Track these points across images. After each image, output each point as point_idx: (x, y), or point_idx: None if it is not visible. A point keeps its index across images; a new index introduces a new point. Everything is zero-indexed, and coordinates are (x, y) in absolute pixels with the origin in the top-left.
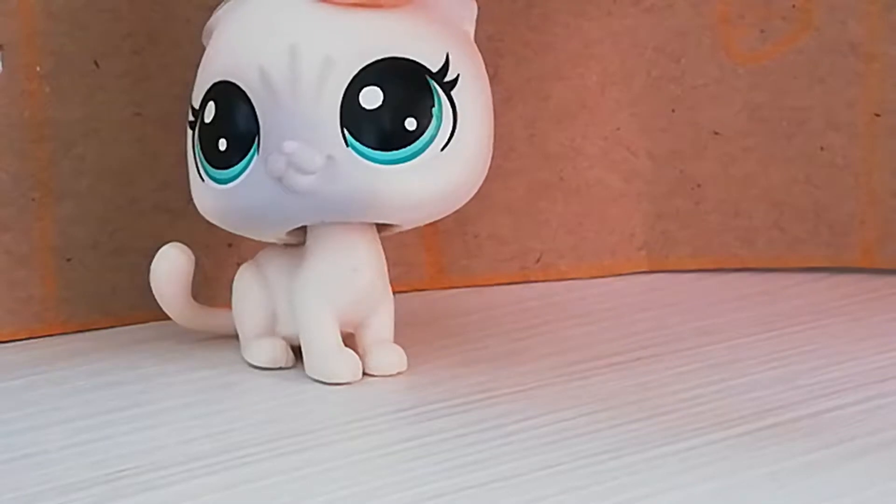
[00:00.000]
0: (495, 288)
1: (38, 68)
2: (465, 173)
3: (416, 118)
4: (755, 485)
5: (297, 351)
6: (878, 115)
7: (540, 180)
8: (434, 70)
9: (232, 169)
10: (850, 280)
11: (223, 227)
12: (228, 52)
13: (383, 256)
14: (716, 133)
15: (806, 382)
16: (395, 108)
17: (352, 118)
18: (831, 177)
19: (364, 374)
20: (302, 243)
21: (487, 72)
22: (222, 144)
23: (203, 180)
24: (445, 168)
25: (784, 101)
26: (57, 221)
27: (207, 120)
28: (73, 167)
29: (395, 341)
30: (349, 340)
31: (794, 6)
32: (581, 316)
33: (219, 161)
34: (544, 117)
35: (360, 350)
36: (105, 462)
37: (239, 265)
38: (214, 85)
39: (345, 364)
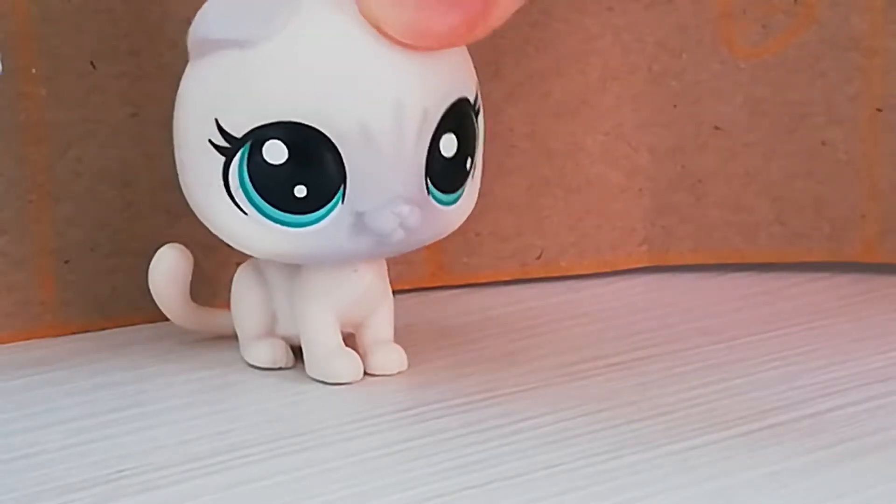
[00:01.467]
0: (495, 288)
1: (33, 70)
2: (479, 182)
3: (472, 157)
4: (755, 485)
5: (296, 351)
6: (879, 110)
7: (541, 177)
8: (473, 101)
9: (308, 216)
10: (850, 279)
11: (268, 258)
12: (308, 93)
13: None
14: (717, 128)
15: (806, 382)
16: (464, 153)
17: (434, 167)
18: (833, 171)
19: (365, 373)
20: None
21: (488, 69)
22: (300, 191)
23: (246, 214)
24: (474, 187)
25: (785, 96)
26: (55, 223)
27: (274, 161)
28: (70, 169)
29: (395, 341)
30: (349, 340)
31: (795, 1)
32: (581, 316)
33: (290, 206)
34: (545, 113)
35: (360, 350)
36: (105, 462)
37: (238, 265)
38: (282, 124)
39: (346, 364)
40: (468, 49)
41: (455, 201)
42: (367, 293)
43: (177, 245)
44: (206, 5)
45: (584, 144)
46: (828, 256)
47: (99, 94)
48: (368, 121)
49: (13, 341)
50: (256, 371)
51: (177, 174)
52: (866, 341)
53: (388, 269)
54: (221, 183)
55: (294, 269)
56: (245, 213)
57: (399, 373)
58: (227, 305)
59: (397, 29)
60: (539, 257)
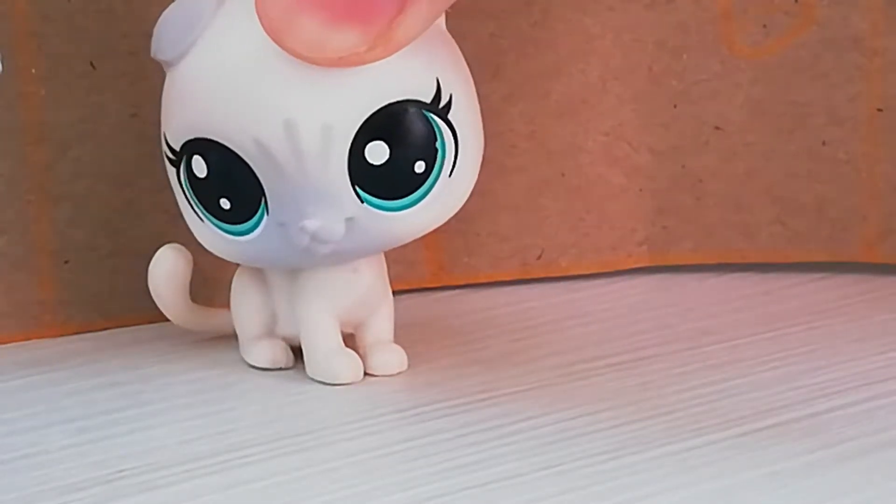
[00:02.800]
0: (495, 288)
1: (33, 70)
2: (471, 181)
3: (423, 160)
4: (755, 485)
5: (296, 351)
6: (880, 110)
7: (541, 177)
8: (429, 101)
9: (241, 226)
10: (850, 280)
11: (233, 262)
12: (211, 111)
13: (383, 257)
14: (717, 128)
15: (806, 382)
16: (402, 158)
17: (362, 176)
18: (833, 172)
19: (365, 374)
20: None
21: (488, 70)
22: (224, 204)
23: (203, 221)
24: (456, 189)
25: (786, 96)
26: (54, 224)
27: (199, 174)
28: (70, 169)
29: (395, 341)
30: (349, 341)
31: (796, 1)
32: (581, 316)
33: (223, 217)
34: (545, 114)
35: (360, 350)
36: (105, 462)
37: (238, 266)
38: (199, 140)
39: (347, 365)
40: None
41: (411, 205)
42: (367, 293)
43: (176, 245)
44: (157, 23)
45: (584, 144)
46: (828, 256)
47: (99, 95)
48: (263, 140)
49: (12, 341)
50: (256, 371)
51: None
52: (866, 341)
53: (388, 270)
54: (180, 190)
55: (293, 269)
56: (202, 220)
57: (399, 373)
58: (227, 305)
59: (296, 46)
60: (539, 257)
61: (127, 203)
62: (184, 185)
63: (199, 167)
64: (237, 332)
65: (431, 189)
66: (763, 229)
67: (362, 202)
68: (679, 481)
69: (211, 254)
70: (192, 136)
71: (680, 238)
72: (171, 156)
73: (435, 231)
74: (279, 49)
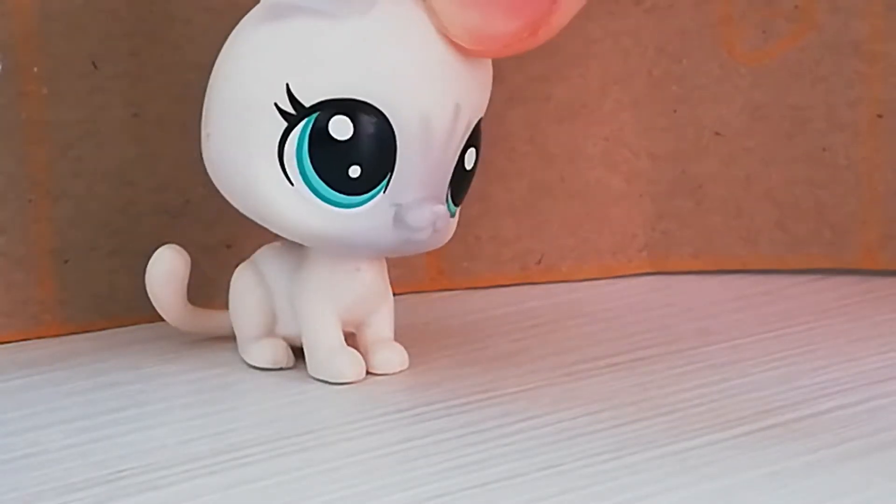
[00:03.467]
0: (496, 288)
1: (35, 69)
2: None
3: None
4: (755, 485)
5: (296, 351)
6: (880, 116)
7: (541, 181)
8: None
9: (354, 197)
10: (850, 280)
11: (302, 240)
12: (383, 77)
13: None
14: (717, 133)
15: (806, 383)
16: (477, 166)
17: (456, 178)
18: (833, 177)
19: (366, 372)
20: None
21: None
22: (354, 171)
23: (293, 185)
24: (458, 212)
25: (786, 101)
26: (54, 223)
27: (338, 136)
28: (70, 168)
29: (396, 341)
30: (350, 340)
31: (796, 6)
32: (581, 316)
33: (341, 185)
34: (545, 118)
35: (361, 349)
36: (105, 462)
37: (237, 266)
38: (354, 102)
39: (349, 363)
40: None
41: (454, 214)
42: (368, 292)
43: (174, 246)
44: None
45: (584, 149)
46: (828, 262)
47: (100, 94)
48: (431, 116)
49: (12, 341)
50: (256, 371)
51: (177, 174)
52: (866, 342)
53: (389, 273)
54: (276, 149)
55: (294, 268)
56: (292, 184)
57: (400, 371)
58: (226, 307)
59: (462, 33)
60: (539, 262)
61: (127, 203)
62: (293, 145)
63: (342, 128)
64: (237, 332)
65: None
66: (763, 234)
67: (445, 201)
68: (679, 481)
69: (211, 255)
70: (342, 96)
71: (680, 243)
72: (289, 110)
73: None
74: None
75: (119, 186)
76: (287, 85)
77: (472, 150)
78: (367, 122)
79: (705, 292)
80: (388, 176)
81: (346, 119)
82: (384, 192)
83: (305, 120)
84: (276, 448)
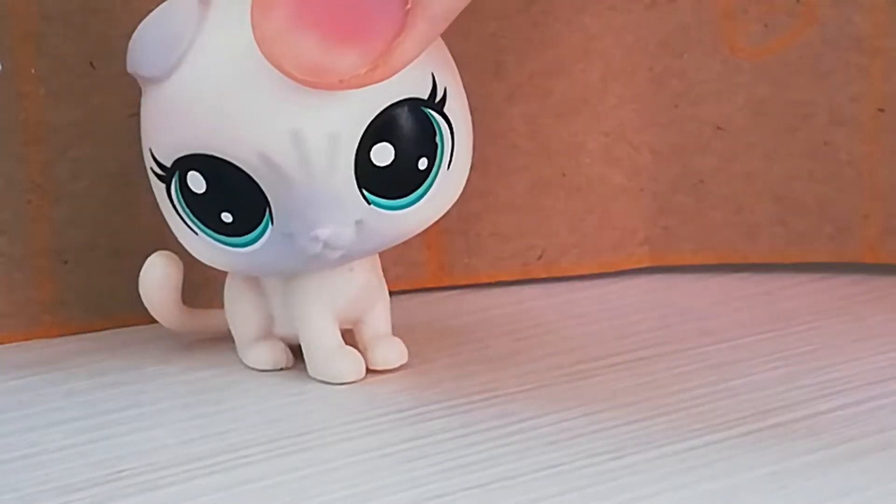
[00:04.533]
0: (496, 288)
1: (33, 70)
2: (466, 170)
3: (426, 156)
4: (755, 485)
5: (295, 350)
6: (882, 111)
7: (542, 177)
8: (426, 97)
9: (243, 237)
10: (850, 280)
11: (233, 272)
12: (211, 126)
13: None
14: (719, 128)
15: (807, 383)
16: (406, 157)
17: (369, 179)
18: (835, 172)
19: (366, 370)
20: None
21: (489, 69)
22: (226, 217)
23: (197, 234)
24: (454, 180)
25: (787, 96)
26: (53, 224)
27: (197, 190)
28: (69, 169)
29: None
30: (347, 337)
31: (797, 1)
32: (582, 316)
33: (224, 230)
34: (546, 113)
35: (360, 346)
36: (105, 462)
37: None
38: (197, 156)
39: (348, 363)
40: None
41: (415, 202)
42: (363, 291)
43: (166, 253)
44: (130, 40)
45: (585, 144)
46: (830, 257)
47: (98, 95)
48: (267, 152)
49: (12, 341)
50: (256, 371)
51: None
52: (867, 341)
53: (388, 271)
54: (170, 205)
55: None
56: (196, 234)
57: (400, 367)
58: (223, 306)
59: (297, 70)
60: (540, 258)
61: (126, 203)
62: (175, 201)
63: (197, 183)
64: (234, 334)
65: (433, 184)
66: (764, 230)
67: (369, 204)
68: (679, 481)
69: None
70: (187, 153)
71: (681, 239)
72: (159, 171)
73: (436, 231)
74: None
75: (118, 187)
76: (150, 150)
77: (381, 146)
78: (214, 172)
79: (705, 292)
80: (268, 210)
81: (197, 174)
82: (272, 224)
83: (173, 179)
84: (276, 448)
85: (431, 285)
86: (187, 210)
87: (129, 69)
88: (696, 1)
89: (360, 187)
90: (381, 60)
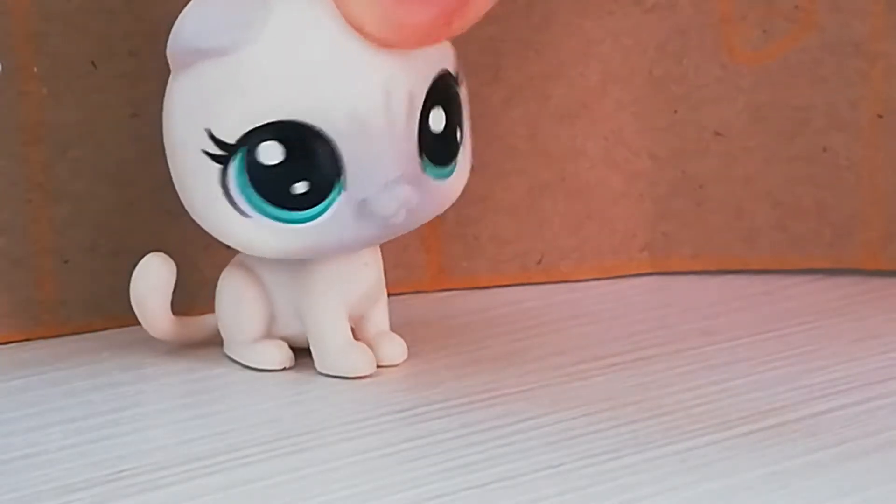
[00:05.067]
0: (496, 288)
1: (34, 69)
2: (470, 148)
3: (460, 127)
4: (755, 485)
5: (294, 350)
6: (880, 116)
7: (541, 181)
8: (454, 72)
9: (311, 210)
10: (850, 280)
11: (276, 258)
12: (294, 91)
13: (379, 250)
14: (718, 133)
15: (806, 383)
16: (453, 124)
17: (427, 144)
18: (834, 177)
19: None
20: None
21: (489, 72)
22: (300, 187)
23: (249, 216)
24: (466, 156)
25: (786, 101)
26: (54, 223)
27: (270, 162)
28: (69, 169)
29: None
30: None
31: (796, 6)
32: (581, 316)
33: (293, 203)
34: (545, 117)
35: (363, 343)
36: (105, 462)
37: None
38: (275, 124)
39: (362, 357)
40: None
41: (450, 174)
42: (373, 286)
43: (160, 255)
44: (182, 17)
45: (584, 148)
46: (829, 262)
47: (99, 95)
48: (358, 110)
49: (12, 341)
50: (256, 371)
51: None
52: (866, 342)
53: (388, 273)
54: (220, 189)
55: (296, 266)
56: (248, 217)
57: (400, 367)
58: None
59: (375, 26)
60: (539, 262)
61: (127, 203)
62: (234, 180)
63: (272, 154)
64: (232, 336)
65: (460, 154)
66: (764, 235)
67: (423, 170)
68: (679, 481)
69: (210, 255)
70: (262, 122)
71: (681, 243)
72: (218, 151)
73: (435, 235)
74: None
75: (118, 186)
76: (208, 130)
77: (437, 111)
78: (295, 138)
79: (705, 292)
80: (342, 176)
81: (274, 143)
82: (345, 190)
83: (236, 156)
84: (276, 448)
85: (430, 288)
86: (250, 188)
87: (178, 46)
88: (695, 6)
89: (420, 152)
90: (457, 15)
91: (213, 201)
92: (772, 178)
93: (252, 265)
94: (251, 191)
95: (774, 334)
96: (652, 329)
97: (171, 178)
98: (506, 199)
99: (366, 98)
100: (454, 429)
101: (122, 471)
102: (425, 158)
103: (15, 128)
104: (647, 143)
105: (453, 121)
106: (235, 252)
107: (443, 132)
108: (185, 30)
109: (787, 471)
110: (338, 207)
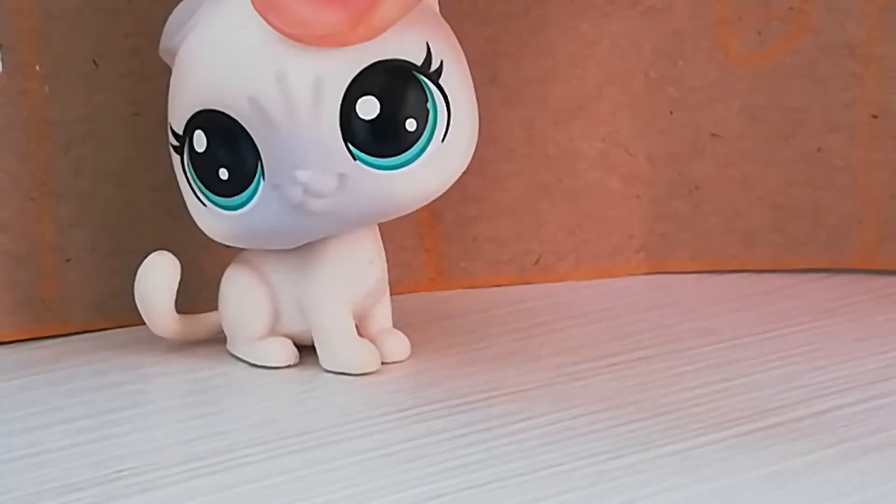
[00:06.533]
0: (495, 288)
1: (37, 68)
2: (466, 153)
3: (414, 118)
4: (755, 485)
5: (299, 348)
6: (875, 117)
7: (539, 182)
8: (419, 64)
9: (238, 196)
10: (849, 280)
11: (236, 245)
12: (208, 80)
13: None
14: (714, 135)
15: (806, 382)
16: (392, 113)
17: (354, 132)
18: (830, 178)
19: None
20: None
21: (486, 75)
22: (223, 174)
23: (205, 205)
24: (449, 156)
25: (782, 103)
26: (56, 222)
27: (199, 149)
28: (72, 168)
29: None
30: None
31: (791, 7)
32: (581, 316)
33: (222, 189)
34: (543, 119)
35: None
36: (105, 462)
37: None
38: (199, 113)
39: (369, 353)
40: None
41: (402, 165)
42: (378, 284)
43: (164, 253)
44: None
45: (581, 150)
46: (825, 263)
47: (101, 94)
48: (255, 95)
49: (13, 340)
50: (257, 371)
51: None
52: (866, 341)
53: (387, 273)
54: (184, 177)
55: (300, 263)
56: (204, 205)
57: (400, 366)
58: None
59: (282, 22)
60: (537, 263)
61: (129, 202)
62: (187, 169)
63: (200, 141)
64: (236, 333)
65: (424, 151)
66: (761, 236)
67: (354, 159)
68: (679, 481)
69: (211, 254)
70: (192, 112)
71: (678, 245)
72: (174, 142)
73: (433, 236)
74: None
75: (120, 186)
76: (169, 124)
77: (367, 99)
78: (213, 126)
79: (705, 292)
80: (259, 164)
81: (200, 132)
82: (263, 179)
83: (185, 147)
84: (276, 448)
85: (428, 289)
86: (193, 174)
87: (161, 49)
88: (691, 8)
89: (345, 140)
90: (363, 19)
91: (186, 192)
92: (768, 179)
93: (256, 262)
94: (195, 178)
95: (774, 334)
96: (651, 329)
97: (173, 177)
98: (504, 200)
99: (260, 84)
100: (454, 429)
101: (122, 471)
102: (355, 149)
103: (17, 126)
104: (644, 144)
105: (394, 110)
106: (237, 251)
107: (376, 120)
108: (163, 32)
109: (787, 471)
110: (262, 195)
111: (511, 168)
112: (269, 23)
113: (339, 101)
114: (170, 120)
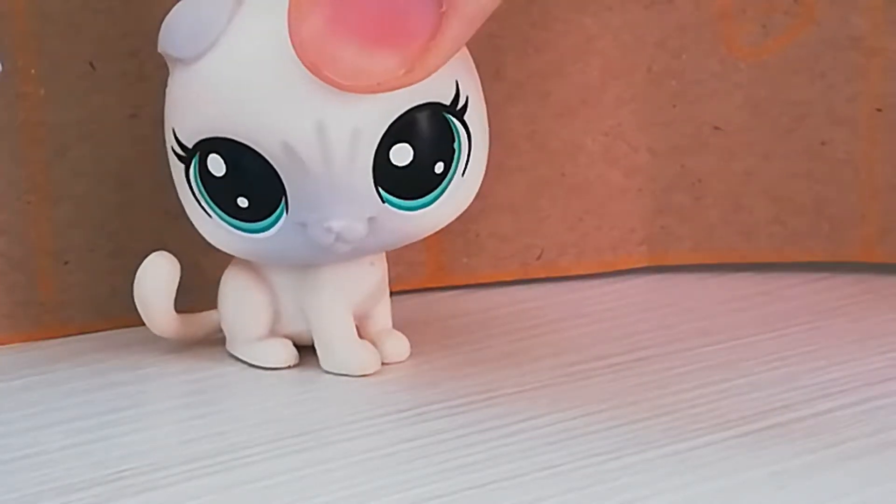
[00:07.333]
0: (496, 288)
1: (32, 70)
2: (479, 179)
3: (443, 161)
4: (755, 485)
5: (299, 348)
6: (879, 110)
7: (541, 177)
8: (448, 104)
9: (257, 224)
10: (850, 280)
11: (239, 257)
12: (236, 111)
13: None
14: (716, 128)
15: (806, 383)
16: (424, 159)
17: (385, 178)
18: (832, 171)
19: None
20: None
21: (488, 70)
22: (242, 202)
23: (210, 217)
24: (467, 186)
25: (785, 96)
26: (54, 224)
27: (216, 173)
28: (69, 169)
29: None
30: None
31: (795, 1)
32: (581, 316)
33: (239, 215)
34: (545, 114)
35: (367, 341)
36: (105, 462)
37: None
38: (220, 140)
39: (369, 355)
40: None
41: (427, 204)
42: (378, 286)
43: (164, 253)
44: (164, 21)
45: (583, 144)
46: (827, 256)
47: (98, 95)
48: (291, 141)
49: (12, 342)
50: (257, 371)
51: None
52: (866, 341)
53: (389, 271)
54: (187, 187)
55: (303, 266)
56: (210, 216)
57: (400, 366)
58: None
59: (336, 74)
60: (539, 257)
61: (126, 203)
62: (193, 182)
63: (217, 166)
64: (235, 334)
65: (447, 188)
66: (762, 229)
67: (383, 202)
68: (679, 481)
69: (211, 254)
70: (210, 135)
71: (679, 238)
72: (180, 152)
73: (435, 232)
74: None
75: (118, 187)
76: (173, 130)
77: (401, 147)
78: (235, 156)
79: (705, 292)
80: (284, 198)
81: (218, 157)
82: (286, 212)
83: (193, 160)
84: (276, 448)
85: (430, 285)
86: (204, 192)
87: (160, 49)
88: (694, 1)
89: (376, 185)
90: (418, 62)
91: (185, 196)
92: (770, 172)
93: (256, 262)
94: (205, 195)
95: (774, 334)
96: (652, 329)
97: (170, 178)
98: (506, 195)
99: (297, 131)
100: (454, 429)
101: (122, 471)
102: (385, 192)
103: (14, 129)
104: (647, 138)
105: (426, 155)
106: None
107: (409, 166)
108: (161, 34)
109: (786, 471)
110: (282, 226)
111: (513, 163)
112: (321, 79)
113: (374, 150)
114: (172, 125)
